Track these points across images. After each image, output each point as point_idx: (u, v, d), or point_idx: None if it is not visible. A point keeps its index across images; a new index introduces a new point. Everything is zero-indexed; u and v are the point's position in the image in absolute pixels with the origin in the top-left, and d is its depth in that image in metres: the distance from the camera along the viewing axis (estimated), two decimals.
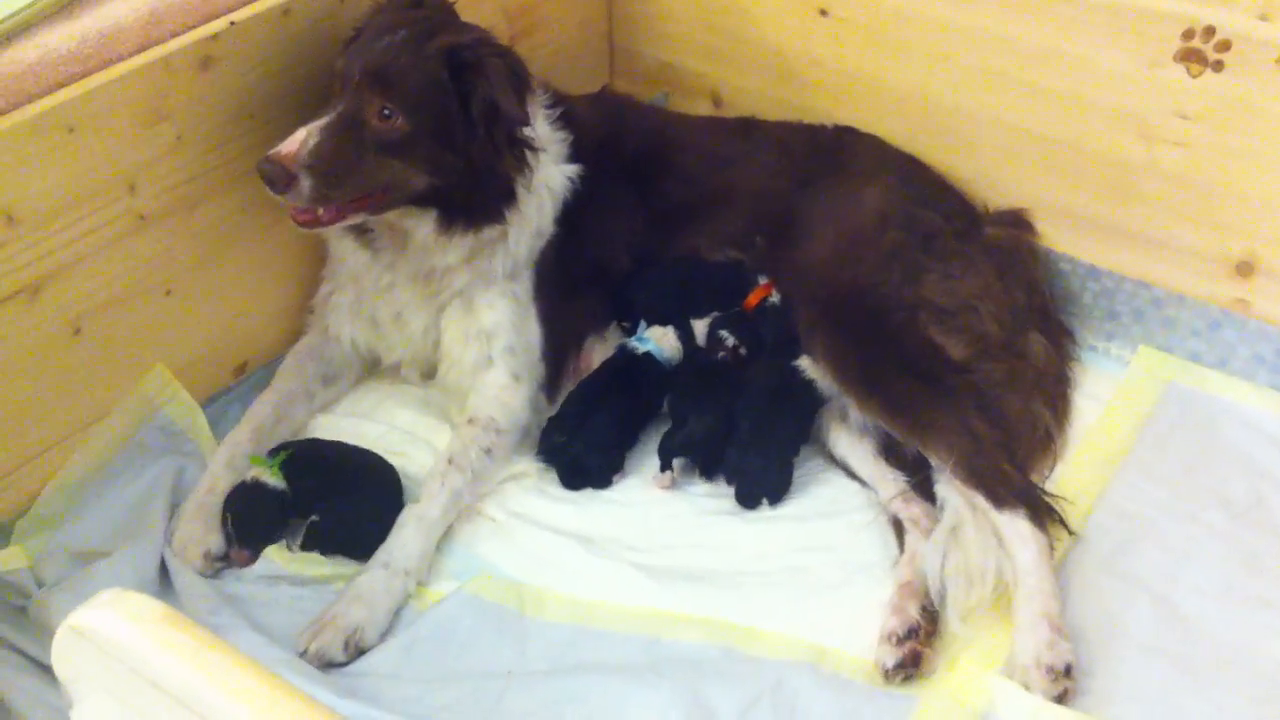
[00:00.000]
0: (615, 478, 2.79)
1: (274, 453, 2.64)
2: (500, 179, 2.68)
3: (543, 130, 2.84)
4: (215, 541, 2.55)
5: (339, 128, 2.51)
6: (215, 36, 2.58)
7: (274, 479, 2.57)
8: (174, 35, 2.55)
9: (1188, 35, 2.70)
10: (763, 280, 2.96)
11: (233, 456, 2.68)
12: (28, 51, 2.38)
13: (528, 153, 2.71)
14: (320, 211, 2.56)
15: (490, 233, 2.74)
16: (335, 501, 2.61)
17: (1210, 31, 2.68)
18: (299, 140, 2.47)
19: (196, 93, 2.60)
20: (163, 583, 2.49)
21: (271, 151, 2.46)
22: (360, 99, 2.53)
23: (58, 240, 2.45)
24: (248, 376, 2.95)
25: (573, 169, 2.91)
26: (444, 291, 2.82)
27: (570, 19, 3.39)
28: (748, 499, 2.72)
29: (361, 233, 2.78)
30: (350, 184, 2.54)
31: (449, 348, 2.86)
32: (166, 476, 2.67)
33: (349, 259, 2.86)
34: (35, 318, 2.46)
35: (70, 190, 2.44)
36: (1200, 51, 2.70)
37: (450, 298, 2.83)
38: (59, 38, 2.42)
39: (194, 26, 2.58)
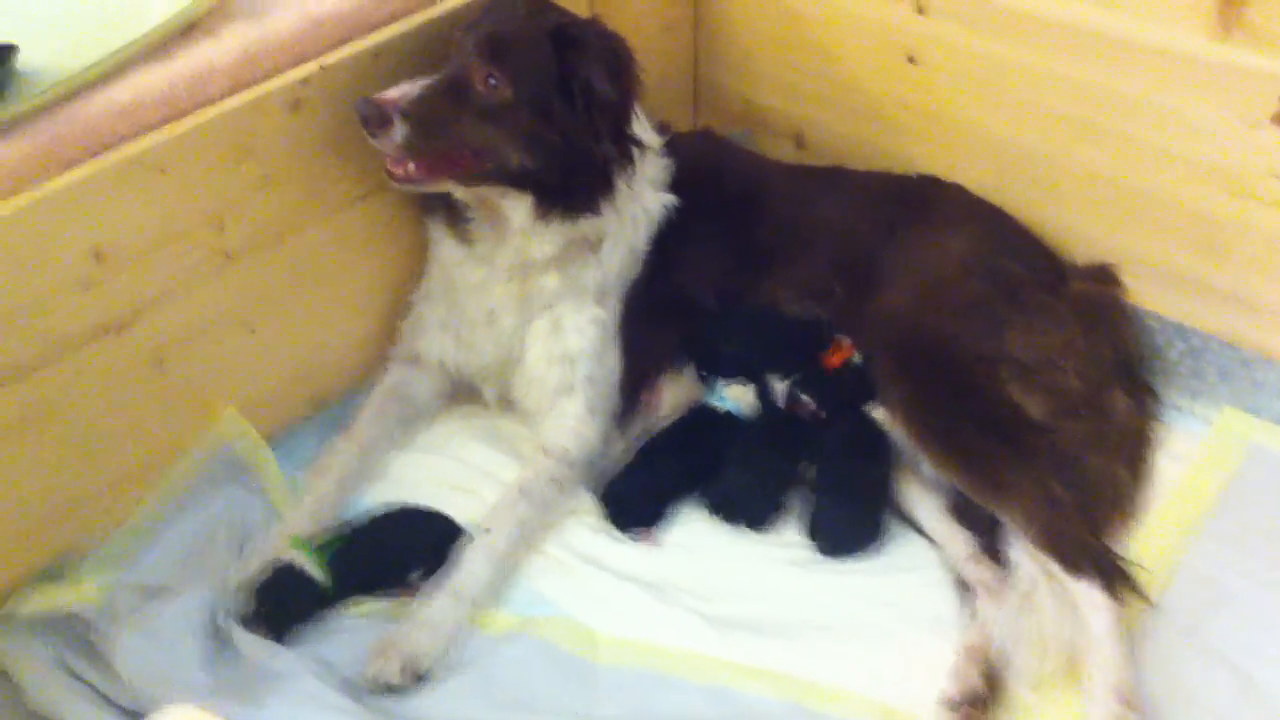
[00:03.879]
0: (657, 524, 2.79)
1: (318, 541, 2.61)
2: (599, 168, 2.69)
3: (649, 142, 2.86)
4: None
5: (443, 86, 2.57)
6: (305, 80, 2.61)
7: (312, 567, 2.53)
8: (264, 78, 2.58)
9: None
10: (846, 340, 2.94)
11: (317, 508, 2.71)
12: (121, 93, 2.42)
13: (633, 149, 2.73)
14: (412, 167, 2.59)
15: (587, 226, 2.75)
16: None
17: None
18: (402, 89, 2.53)
19: (284, 133, 2.63)
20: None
21: (374, 95, 2.51)
22: (468, 64, 2.59)
23: (146, 277, 2.49)
24: (323, 409, 2.98)
25: (670, 198, 2.93)
26: (536, 297, 2.84)
27: (656, 53, 3.37)
28: (833, 549, 2.71)
29: (460, 223, 2.82)
30: (445, 141, 2.58)
31: (532, 366, 2.88)
32: (230, 511, 2.70)
33: (446, 255, 2.89)
34: (120, 352, 2.50)
35: (159, 229, 2.48)
36: None
37: (540, 309, 2.85)
38: (151, 79, 2.45)
39: (284, 69, 2.61)
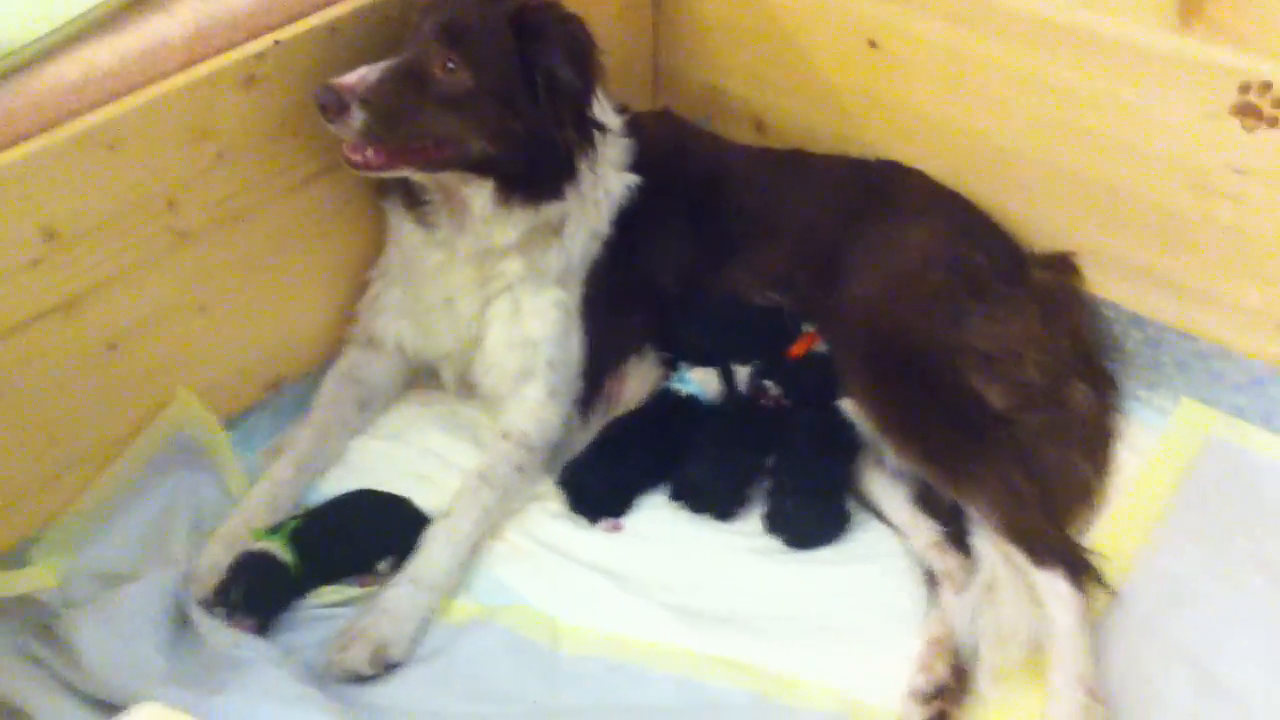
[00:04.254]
0: (624, 514, 2.77)
1: (277, 527, 2.56)
2: (561, 153, 2.66)
3: (610, 124, 2.83)
4: None
5: (402, 72, 2.53)
6: (260, 55, 2.55)
7: (283, 552, 2.49)
8: (218, 53, 2.52)
9: (1244, 89, 2.65)
10: (808, 329, 2.93)
11: (275, 493, 2.66)
12: (70, 68, 2.34)
13: (595, 133, 2.70)
14: (370, 153, 2.55)
15: (549, 211, 2.72)
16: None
17: (1267, 87, 2.62)
18: (360, 74, 2.49)
19: (239, 110, 2.57)
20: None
21: (331, 80, 2.46)
22: (427, 49, 2.55)
23: (96, 257, 2.43)
24: (280, 392, 2.93)
25: (633, 179, 2.90)
26: (496, 280, 2.80)
27: (615, 36, 3.32)
28: (798, 543, 2.70)
29: (418, 205, 2.78)
30: (404, 129, 2.54)
31: (492, 349, 2.85)
32: (185, 494, 2.65)
33: (405, 238, 2.85)
34: (71, 333, 2.44)
35: (110, 207, 2.42)
36: (1256, 106, 2.65)
37: (500, 290, 2.81)
38: (102, 55, 2.38)
39: (239, 44, 2.55)
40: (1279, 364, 2.87)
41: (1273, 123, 2.64)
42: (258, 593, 2.45)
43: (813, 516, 2.71)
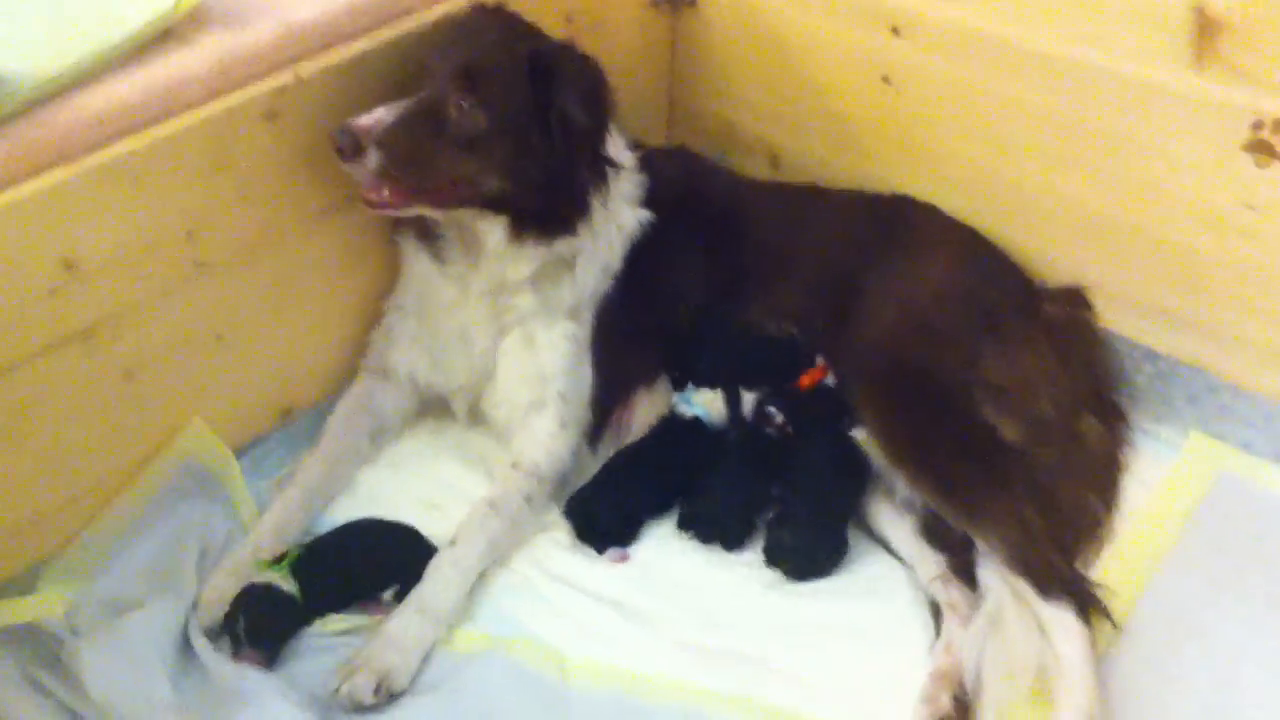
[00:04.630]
0: (632, 542, 2.77)
1: (280, 558, 2.55)
2: (575, 191, 2.69)
3: (623, 161, 2.85)
4: None
5: (418, 113, 2.54)
6: (281, 90, 2.59)
7: (286, 583, 2.49)
8: (239, 86, 2.55)
9: (1257, 127, 2.66)
10: (819, 361, 2.94)
11: (283, 524, 2.67)
12: (93, 101, 2.38)
13: (607, 169, 2.73)
14: (386, 193, 2.57)
15: (562, 247, 2.74)
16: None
17: None
18: (376, 116, 2.50)
19: (259, 144, 2.60)
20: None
21: (348, 121, 2.48)
22: (444, 91, 2.57)
23: (115, 287, 2.46)
24: (292, 421, 2.95)
25: (645, 214, 2.93)
26: (508, 314, 2.82)
27: (631, 72, 3.37)
28: (796, 574, 2.70)
29: (433, 240, 2.80)
30: (419, 170, 2.56)
31: (503, 381, 2.87)
32: (195, 523, 2.65)
33: (419, 272, 2.87)
34: (88, 362, 2.47)
35: (130, 238, 2.45)
36: (1269, 144, 2.66)
37: (513, 323, 2.83)
38: (125, 87, 2.42)
39: (260, 77, 2.58)
40: None
41: None
42: (262, 625, 2.45)
43: (809, 546, 2.71)
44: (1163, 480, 2.90)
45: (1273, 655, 2.55)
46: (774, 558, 2.71)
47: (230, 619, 2.45)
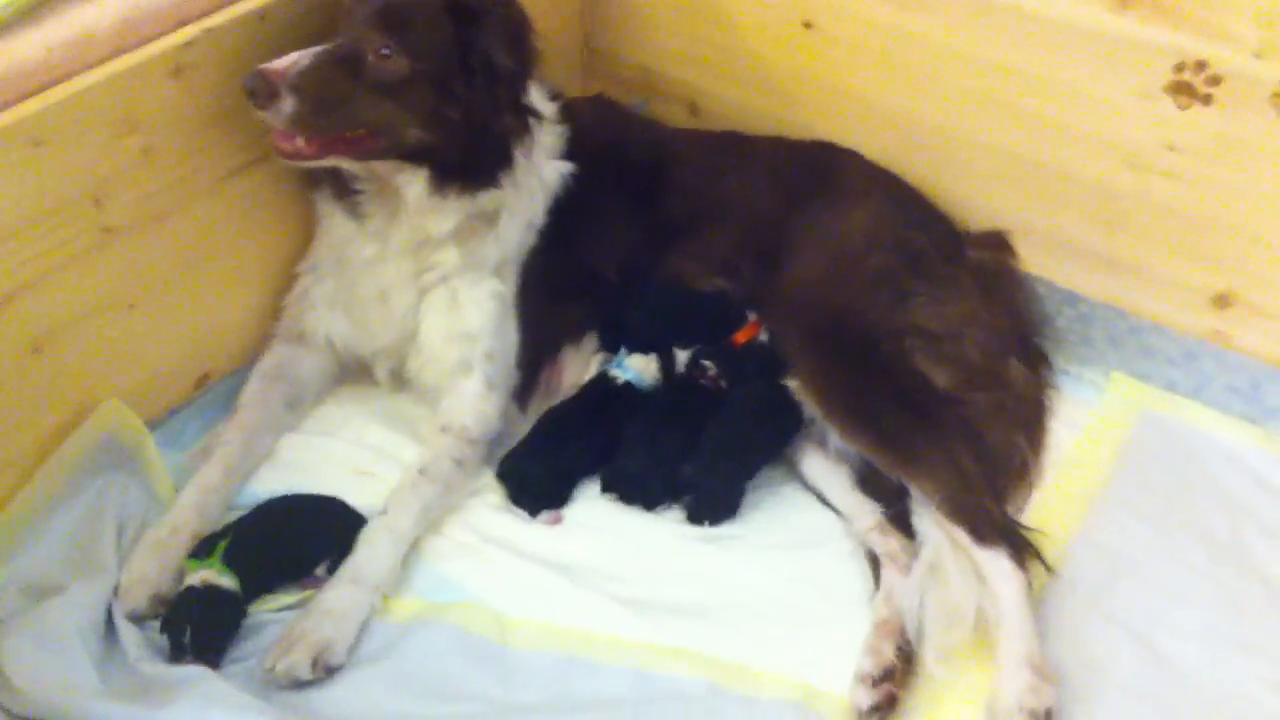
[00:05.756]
0: (565, 504, 2.74)
1: (207, 547, 2.44)
2: (497, 140, 2.62)
3: (544, 111, 2.78)
4: (167, 583, 2.43)
5: (335, 57, 2.46)
6: (189, 44, 2.48)
7: (225, 578, 2.38)
8: (145, 42, 2.44)
9: (1179, 68, 2.68)
10: (752, 317, 2.92)
11: (204, 501, 2.57)
12: None
13: (530, 119, 2.66)
14: (301, 142, 2.49)
15: (485, 200, 2.67)
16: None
17: (1201, 65, 2.65)
18: (291, 59, 2.42)
19: (167, 102, 2.49)
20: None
21: (261, 66, 2.39)
22: (362, 35, 2.49)
23: (20, 257, 2.35)
24: (208, 389, 2.85)
25: (567, 166, 2.86)
26: (431, 271, 2.75)
27: (544, 20, 3.28)
28: (695, 517, 2.70)
29: (349, 196, 2.71)
30: (337, 116, 2.48)
31: (428, 342, 2.80)
32: (111, 500, 2.56)
33: (335, 230, 2.78)
34: None
35: (34, 206, 2.34)
36: (1190, 85, 2.68)
37: (436, 282, 2.76)
38: (26, 47, 2.30)
39: (167, 33, 2.47)
40: (1211, 338, 2.92)
41: (1206, 101, 2.68)
42: (208, 633, 2.35)
43: (711, 487, 2.71)
44: (1087, 422, 2.93)
45: (1201, 589, 2.60)
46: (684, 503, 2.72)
47: (173, 627, 2.34)
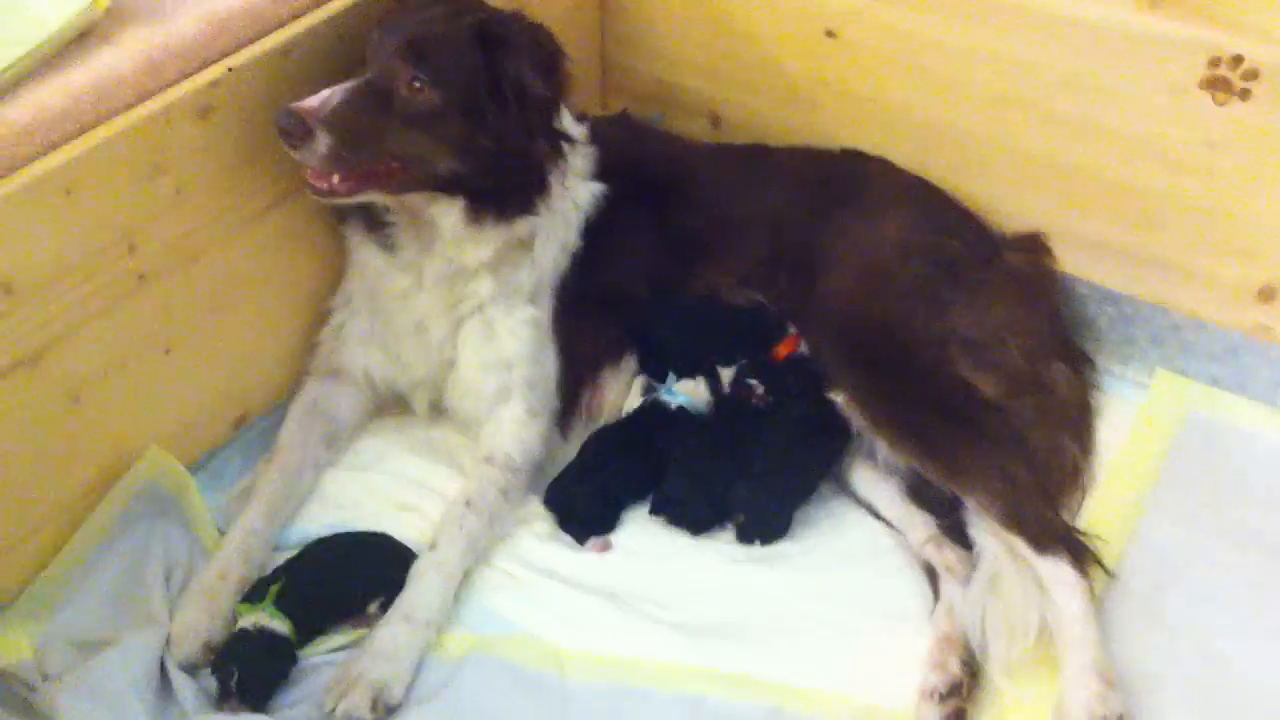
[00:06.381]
0: (613, 530, 2.71)
1: (260, 591, 2.43)
2: (532, 166, 2.60)
3: (575, 134, 2.77)
4: (218, 631, 2.41)
5: (366, 92, 2.44)
6: (214, 84, 2.45)
7: (277, 622, 2.37)
8: (170, 84, 2.41)
9: (1214, 63, 2.64)
10: (791, 330, 2.89)
11: (248, 544, 2.54)
12: (20, 112, 2.22)
13: (563, 143, 2.64)
14: (336, 179, 2.46)
15: (521, 227, 2.65)
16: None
17: (1238, 60, 2.62)
18: (322, 97, 2.39)
19: (196, 143, 2.46)
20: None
21: (292, 104, 2.36)
22: (391, 68, 2.46)
23: (56, 307, 2.32)
24: (247, 429, 2.83)
25: (598, 187, 2.84)
26: (466, 301, 2.72)
27: (559, 34, 3.27)
28: (746, 537, 2.67)
29: (380, 229, 2.69)
30: (371, 151, 2.45)
31: (465, 373, 2.77)
32: (155, 546, 2.53)
33: (367, 265, 2.76)
34: (34, 389, 2.33)
35: (68, 255, 2.31)
36: (1227, 80, 2.65)
37: (471, 311, 2.73)
38: (51, 95, 2.26)
39: (191, 73, 2.44)
40: (1254, 333, 2.89)
41: (1244, 96, 2.65)
42: (257, 677, 2.33)
43: (763, 505, 2.68)
44: (1134, 422, 2.90)
45: (1258, 587, 2.57)
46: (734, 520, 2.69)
47: (223, 669, 2.32)
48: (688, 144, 3.23)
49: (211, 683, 2.34)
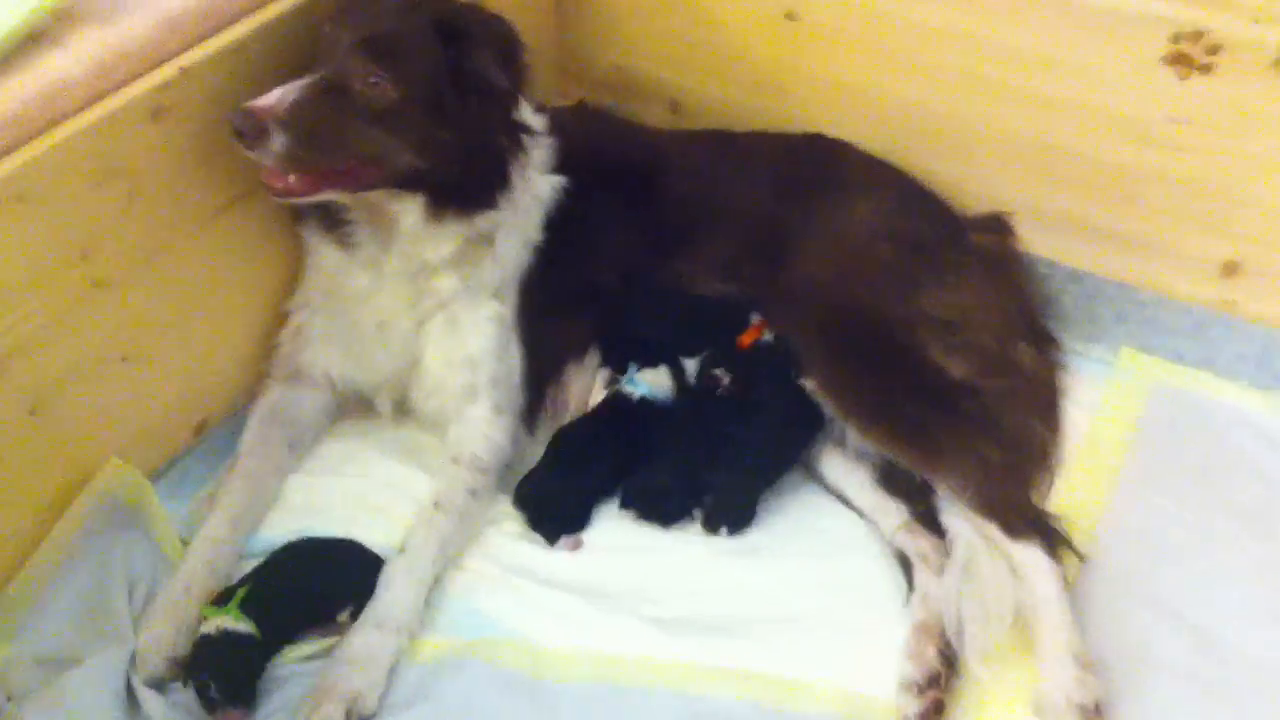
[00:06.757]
0: (585, 527, 2.68)
1: (226, 596, 2.39)
2: (493, 160, 2.56)
3: (536, 126, 2.73)
4: (185, 645, 2.36)
5: (321, 90, 2.37)
6: (166, 85, 2.38)
7: (241, 624, 2.33)
8: (121, 86, 2.34)
9: (1176, 39, 2.65)
10: (756, 318, 2.86)
11: (214, 556, 2.49)
12: None
13: (523, 136, 2.60)
14: (293, 179, 2.40)
15: (483, 222, 2.60)
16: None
17: (1199, 35, 2.62)
18: (277, 95, 2.33)
19: (149, 145, 2.39)
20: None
21: (246, 104, 2.30)
22: (347, 64, 2.40)
23: (10, 319, 2.25)
24: (207, 436, 2.77)
25: (559, 180, 2.79)
26: (428, 298, 2.68)
27: (514, 19, 3.22)
28: (712, 525, 2.65)
29: (338, 227, 2.63)
30: (328, 150, 2.40)
31: (430, 371, 2.73)
32: (118, 560, 2.47)
33: (325, 264, 2.70)
34: None
35: (22, 265, 2.24)
36: (1189, 55, 2.65)
37: (434, 310, 2.69)
38: (1, 100, 2.19)
39: (142, 75, 2.37)
40: (1219, 308, 2.91)
41: (1206, 70, 2.65)
42: (233, 678, 2.29)
43: (728, 494, 2.66)
44: (1100, 400, 2.90)
45: (1238, 562, 2.58)
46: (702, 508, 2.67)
47: (198, 682, 2.28)
48: (649, 133, 3.19)
49: (184, 698, 2.30)
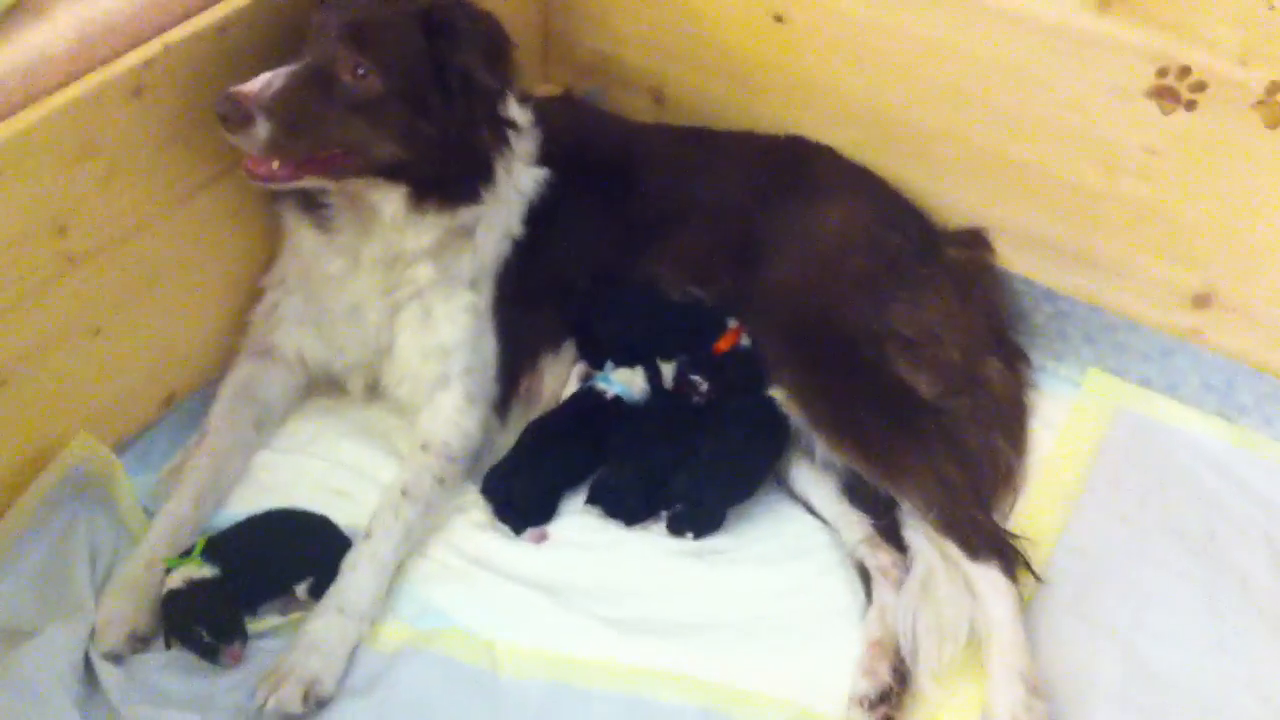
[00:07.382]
0: (551, 520, 2.70)
1: (186, 551, 2.42)
2: (477, 154, 2.56)
3: (521, 120, 2.71)
4: (144, 621, 2.37)
5: (307, 78, 2.38)
6: (149, 62, 2.37)
7: (206, 569, 2.35)
8: (103, 63, 2.32)
9: (1162, 73, 2.66)
10: (732, 324, 2.86)
11: (175, 531, 2.49)
12: None
13: (508, 131, 2.59)
14: (275, 165, 2.40)
15: (465, 215, 2.60)
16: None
17: (1186, 71, 2.63)
18: (262, 81, 2.32)
19: (128, 123, 2.39)
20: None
21: (232, 89, 2.29)
22: (334, 53, 2.40)
23: None
24: (175, 409, 2.77)
25: (542, 172, 2.79)
26: (404, 286, 2.68)
27: (499, 3, 3.21)
28: (676, 529, 2.66)
29: (317, 210, 2.63)
30: (312, 138, 2.40)
31: (402, 358, 2.73)
32: (79, 532, 2.48)
33: (302, 245, 2.70)
34: None
35: None
36: (1174, 89, 2.66)
37: (409, 297, 2.69)
38: None
39: (123, 51, 2.35)
40: (1186, 335, 2.93)
41: (1190, 106, 2.67)
42: (215, 616, 2.32)
43: (697, 498, 2.67)
44: (1065, 421, 2.92)
45: (1180, 591, 2.61)
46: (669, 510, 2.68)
47: (187, 634, 2.31)
48: (632, 127, 3.18)
49: (141, 671, 2.32)
